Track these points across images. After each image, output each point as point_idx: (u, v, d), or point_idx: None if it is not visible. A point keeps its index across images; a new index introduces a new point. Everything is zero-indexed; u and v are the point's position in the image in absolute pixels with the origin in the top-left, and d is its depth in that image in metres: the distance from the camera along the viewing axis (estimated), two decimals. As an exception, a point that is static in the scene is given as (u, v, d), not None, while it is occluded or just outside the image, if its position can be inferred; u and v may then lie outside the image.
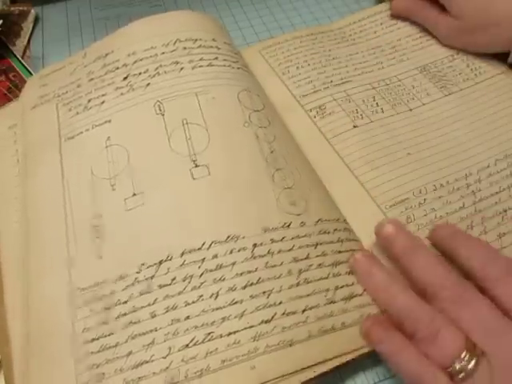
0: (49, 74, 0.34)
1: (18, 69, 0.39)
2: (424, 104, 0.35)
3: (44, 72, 0.35)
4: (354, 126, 0.33)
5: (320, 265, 0.25)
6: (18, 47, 0.40)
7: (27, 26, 0.42)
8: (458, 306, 0.22)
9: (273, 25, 0.44)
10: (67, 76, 0.33)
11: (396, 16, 0.42)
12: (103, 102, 0.30)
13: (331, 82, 0.36)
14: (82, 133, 0.30)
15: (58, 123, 0.31)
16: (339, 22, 0.43)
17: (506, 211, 0.29)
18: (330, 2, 0.46)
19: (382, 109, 0.35)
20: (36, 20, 0.43)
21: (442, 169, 0.31)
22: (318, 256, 0.25)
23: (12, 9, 0.42)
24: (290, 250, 0.25)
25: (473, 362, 0.20)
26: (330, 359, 0.22)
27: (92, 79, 0.32)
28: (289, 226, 0.25)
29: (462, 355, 0.20)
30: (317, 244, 0.25)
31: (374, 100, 0.35)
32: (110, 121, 0.29)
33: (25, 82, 0.37)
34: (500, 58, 0.37)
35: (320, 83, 0.36)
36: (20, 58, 0.39)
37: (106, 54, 0.33)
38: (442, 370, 0.20)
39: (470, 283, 0.23)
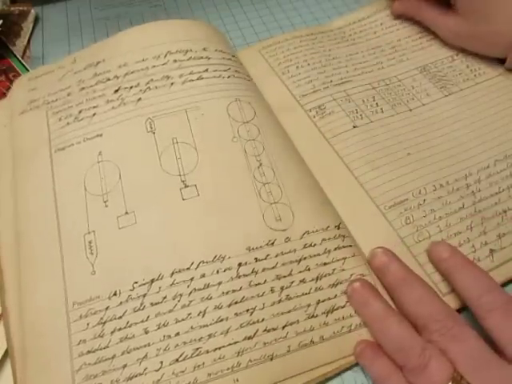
0: (38, 76, 0.34)
1: (17, 69, 0.39)
2: (424, 104, 0.35)
3: (33, 74, 0.34)
4: (354, 126, 0.33)
5: (302, 281, 0.26)
6: (18, 47, 0.40)
7: (27, 26, 0.42)
8: (446, 338, 0.22)
9: (273, 25, 0.44)
10: (56, 81, 0.33)
11: (396, 17, 0.42)
12: (94, 115, 0.31)
13: (331, 81, 0.36)
14: (73, 145, 0.30)
15: (49, 132, 0.31)
16: (339, 21, 0.43)
17: (505, 212, 0.29)
18: (330, 2, 0.46)
19: (381, 109, 0.35)
20: (36, 20, 0.44)
21: (442, 169, 0.31)
22: (300, 272, 0.26)
23: (12, 9, 0.42)
24: (273, 267, 0.26)
25: None
26: (307, 371, 0.24)
27: (83, 88, 0.32)
28: (273, 243, 0.26)
29: None
30: (300, 259, 0.26)
31: (374, 100, 0.35)
32: (101, 135, 0.30)
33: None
34: (500, 59, 0.37)
35: (320, 83, 0.36)
36: (20, 58, 0.39)
37: (97, 63, 0.33)
38: None
39: (460, 316, 0.23)
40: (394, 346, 0.23)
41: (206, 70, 0.32)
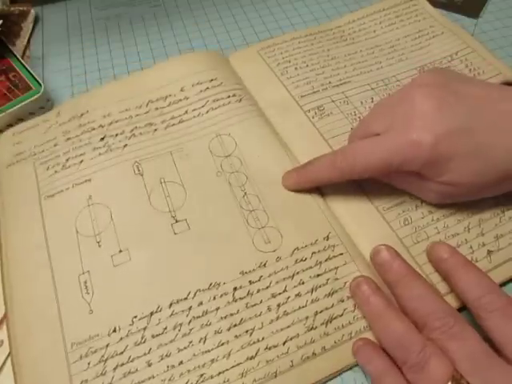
0: (22, 131, 0.34)
1: (17, 69, 0.39)
2: (423, 105, 0.35)
3: (17, 129, 0.34)
4: (352, 128, 0.33)
5: (297, 294, 0.26)
6: (17, 47, 0.41)
7: (27, 26, 0.43)
8: (447, 336, 0.22)
9: (273, 25, 0.44)
10: (41, 134, 0.34)
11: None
12: (82, 162, 0.32)
13: (329, 83, 0.36)
14: (62, 191, 0.30)
15: (37, 181, 0.31)
16: (338, 20, 0.43)
17: (503, 212, 0.29)
18: (330, 2, 0.46)
19: (380, 110, 0.35)
20: (36, 20, 0.44)
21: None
22: (295, 286, 0.26)
23: (12, 9, 0.42)
24: (267, 287, 0.26)
25: None
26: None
27: (69, 138, 0.33)
28: (265, 264, 0.27)
29: None
30: (293, 274, 0.27)
31: (372, 101, 0.35)
32: (90, 180, 0.31)
33: (25, 81, 0.37)
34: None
35: (318, 84, 0.36)
36: (20, 58, 0.39)
37: (81, 114, 0.34)
38: None
39: (460, 315, 0.23)
40: (394, 342, 0.23)
41: (186, 112, 0.34)
